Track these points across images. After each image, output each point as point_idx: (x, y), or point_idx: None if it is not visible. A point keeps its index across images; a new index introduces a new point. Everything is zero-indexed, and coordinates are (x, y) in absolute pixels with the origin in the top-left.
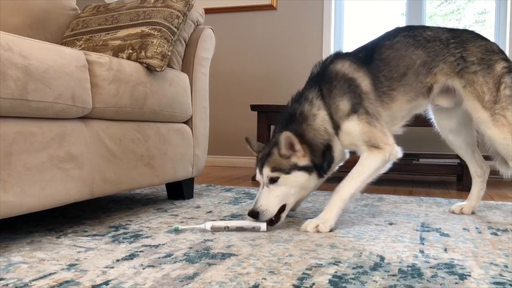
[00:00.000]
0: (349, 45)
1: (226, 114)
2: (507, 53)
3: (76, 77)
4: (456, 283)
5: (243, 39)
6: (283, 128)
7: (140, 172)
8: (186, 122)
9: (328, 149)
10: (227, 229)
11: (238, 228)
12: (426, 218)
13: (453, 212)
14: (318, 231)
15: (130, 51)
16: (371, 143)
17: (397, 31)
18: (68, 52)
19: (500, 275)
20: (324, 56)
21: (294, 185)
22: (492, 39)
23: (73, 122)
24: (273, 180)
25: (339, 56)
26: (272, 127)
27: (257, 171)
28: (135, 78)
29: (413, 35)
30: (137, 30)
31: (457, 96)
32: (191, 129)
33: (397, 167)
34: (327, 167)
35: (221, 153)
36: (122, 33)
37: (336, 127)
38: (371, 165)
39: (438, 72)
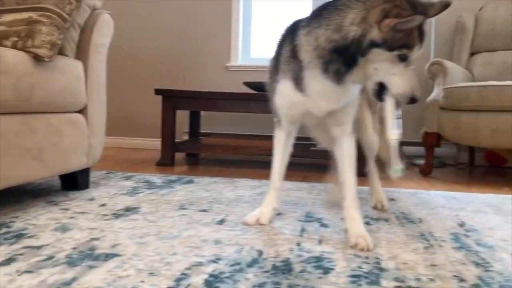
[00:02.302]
0: (259, 25)
1: (132, 95)
2: None
3: None
4: (319, 277)
5: (148, 19)
6: None
7: (27, 167)
8: (80, 111)
9: None
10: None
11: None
12: (312, 207)
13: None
14: None
15: (16, 38)
16: None
17: None
18: None
19: (359, 267)
20: (233, 37)
21: None
22: None
23: None
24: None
25: None
26: (178, 112)
27: None
28: (20, 69)
29: None
30: (24, 15)
31: None
32: (86, 118)
33: (295, 152)
34: None
35: (126, 135)
36: (7, 17)
37: None
38: None
39: None
